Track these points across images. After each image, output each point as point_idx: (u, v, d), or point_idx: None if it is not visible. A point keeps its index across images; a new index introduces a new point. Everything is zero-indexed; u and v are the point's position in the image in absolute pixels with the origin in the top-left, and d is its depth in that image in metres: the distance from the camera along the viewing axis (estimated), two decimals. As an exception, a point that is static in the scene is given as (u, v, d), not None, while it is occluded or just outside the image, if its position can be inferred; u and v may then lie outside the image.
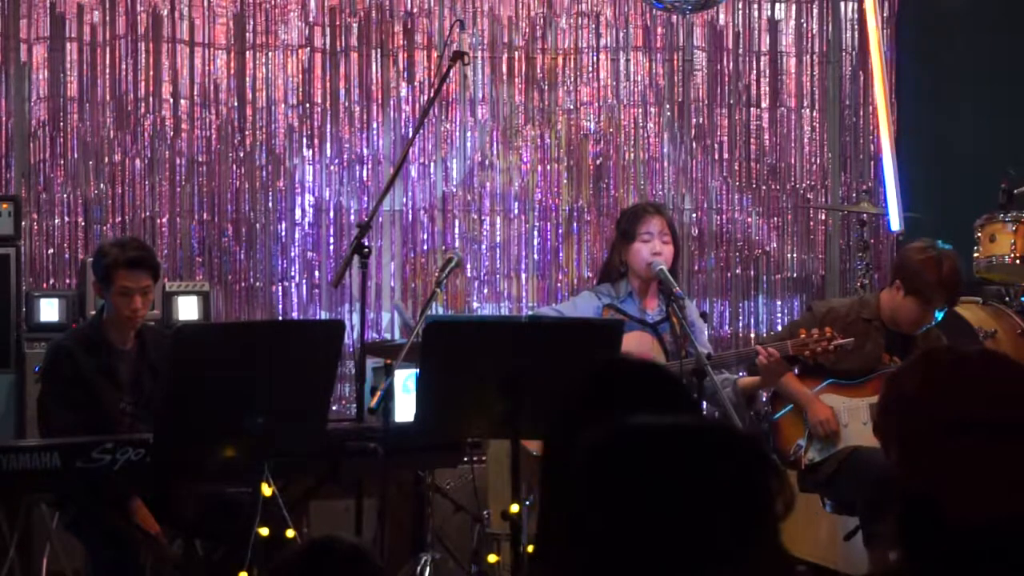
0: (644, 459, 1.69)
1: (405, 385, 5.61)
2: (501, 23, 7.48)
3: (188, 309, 6.54)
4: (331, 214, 7.27)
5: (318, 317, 7.12)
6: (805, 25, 7.84)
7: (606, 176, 7.59)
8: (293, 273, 7.24)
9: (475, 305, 7.43)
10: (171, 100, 7.10)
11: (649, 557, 1.66)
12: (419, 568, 5.58)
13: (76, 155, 6.98)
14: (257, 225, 7.20)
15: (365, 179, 7.31)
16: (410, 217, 7.37)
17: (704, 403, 5.14)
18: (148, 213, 7.06)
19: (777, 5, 7.80)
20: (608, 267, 5.64)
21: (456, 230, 7.41)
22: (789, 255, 7.80)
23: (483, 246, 7.45)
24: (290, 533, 4.45)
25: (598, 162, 7.58)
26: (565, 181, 7.54)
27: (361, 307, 5.42)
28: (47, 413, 5.02)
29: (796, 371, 5.65)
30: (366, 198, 7.27)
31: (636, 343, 5.34)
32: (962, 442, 2.12)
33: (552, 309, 5.99)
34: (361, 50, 7.32)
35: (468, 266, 7.35)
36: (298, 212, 7.25)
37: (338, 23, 7.30)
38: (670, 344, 5.45)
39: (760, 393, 5.92)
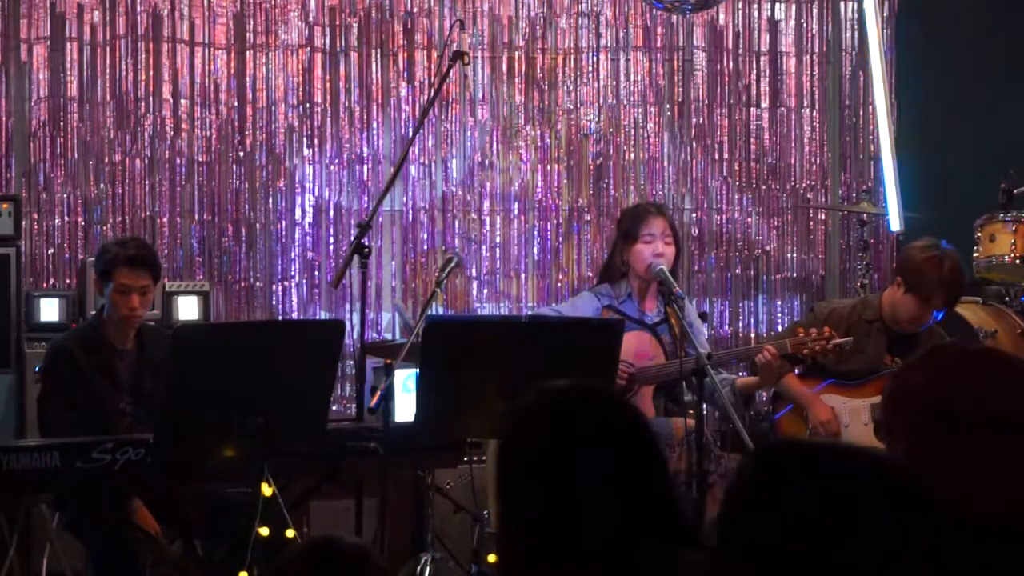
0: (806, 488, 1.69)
1: (405, 385, 5.61)
2: (501, 23, 7.48)
3: (188, 309, 6.54)
4: (331, 214, 7.27)
5: (318, 317, 7.11)
6: (805, 25, 7.84)
7: (606, 176, 7.59)
8: (293, 273, 7.24)
9: (475, 305, 7.43)
10: (171, 100, 7.09)
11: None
12: (419, 568, 5.58)
13: (76, 155, 6.98)
14: (257, 225, 7.20)
15: (365, 179, 7.31)
16: (410, 217, 7.36)
17: (704, 403, 5.15)
18: (148, 213, 7.06)
19: (777, 5, 7.80)
20: (609, 267, 5.64)
21: (456, 230, 7.41)
22: (789, 255, 7.80)
23: (483, 246, 7.45)
24: (290, 533, 4.44)
25: (598, 162, 7.58)
26: (565, 181, 7.54)
27: (361, 307, 5.42)
28: (47, 413, 5.02)
29: (797, 372, 5.66)
30: (366, 198, 7.27)
31: (636, 343, 5.34)
32: (970, 438, 2.12)
33: (551, 310, 5.99)
34: (361, 50, 7.32)
35: (468, 266, 7.35)
36: (298, 212, 7.25)
37: (338, 23, 7.30)
38: (669, 345, 5.46)
39: (759, 393, 5.92)
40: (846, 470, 1.72)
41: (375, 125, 7.32)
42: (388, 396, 4.82)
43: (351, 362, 6.87)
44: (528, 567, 2.08)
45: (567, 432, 2.13)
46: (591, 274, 7.26)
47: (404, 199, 7.35)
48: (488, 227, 7.46)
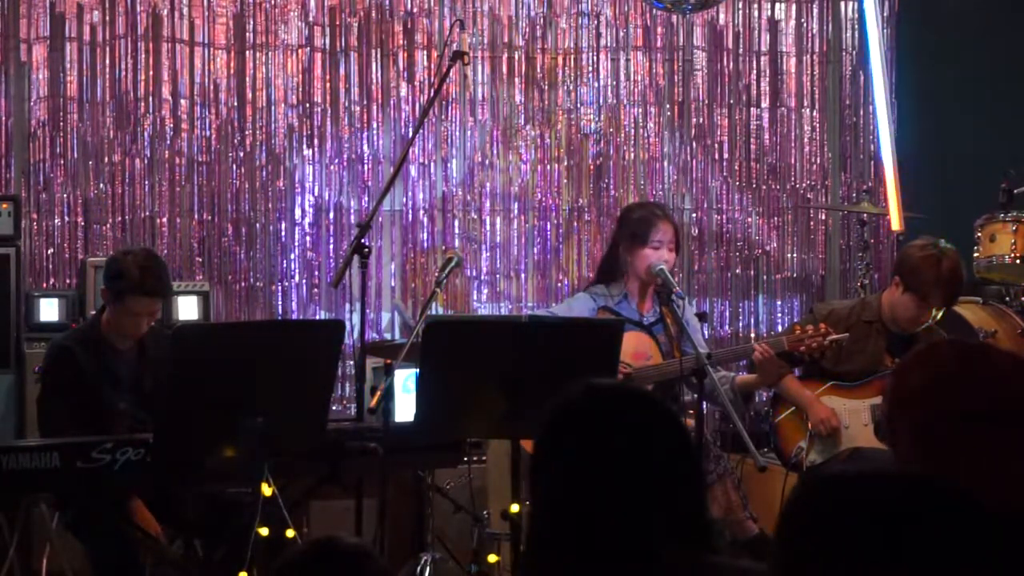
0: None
1: (405, 385, 5.61)
2: (501, 23, 7.48)
3: (188, 309, 6.54)
4: (331, 214, 7.27)
5: (318, 317, 7.11)
6: (805, 25, 7.84)
7: (606, 176, 7.59)
8: (293, 273, 7.24)
9: (475, 305, 7.43)
10: (171, 100, 7.09)
11: None
12: (419, 568, 5.58)
13: (76, 155, 6.98)
14: (257, 225, 7.20)
15: (365, 179, 7.31)
16: (410, 217, 7.36)
17: (704, 402, 5.15)
18: (148, 213, 7.06)
19: (777, 5, 7.80)
20: (609, 265, 5.63)
21: (456, 230, 7.41)
22: (789, 255, 7.80)
23: (483, 246, 7.45)
24: (290, 533, 4.45)
25: (598, 162, 7.58)
26: (565, 181, 7.54)
27: (361, 307, 5.42)
28: (47, 413, 5.03)
29: (797, 373, 5.66)
30: (366, 198, 7.27)
31: (634, 344, 5.34)
32: (971, 433, 2.12)
33: (547, 311, 5.98)
34: (361, 50, 7.32)
35: (468, 266, 7.35)
36: (298, 212, 7.25)
37: (338, 23, 7.30)
38: (665, 345, 5.46)
39: (758, 392, 5.93)
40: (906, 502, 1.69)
41: (375, 125, 7.32)
42: (388, 396, 4.82)
43: (351, 362, 6.87)
44: (555, 562, 2.08)
45: (609, 430, 2.13)
46: (591, 274, 7.25)
47: (404, 199, 7.35)
48: (488, 227, 7.46)
